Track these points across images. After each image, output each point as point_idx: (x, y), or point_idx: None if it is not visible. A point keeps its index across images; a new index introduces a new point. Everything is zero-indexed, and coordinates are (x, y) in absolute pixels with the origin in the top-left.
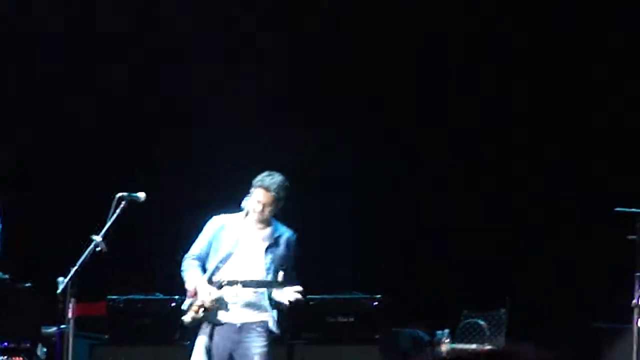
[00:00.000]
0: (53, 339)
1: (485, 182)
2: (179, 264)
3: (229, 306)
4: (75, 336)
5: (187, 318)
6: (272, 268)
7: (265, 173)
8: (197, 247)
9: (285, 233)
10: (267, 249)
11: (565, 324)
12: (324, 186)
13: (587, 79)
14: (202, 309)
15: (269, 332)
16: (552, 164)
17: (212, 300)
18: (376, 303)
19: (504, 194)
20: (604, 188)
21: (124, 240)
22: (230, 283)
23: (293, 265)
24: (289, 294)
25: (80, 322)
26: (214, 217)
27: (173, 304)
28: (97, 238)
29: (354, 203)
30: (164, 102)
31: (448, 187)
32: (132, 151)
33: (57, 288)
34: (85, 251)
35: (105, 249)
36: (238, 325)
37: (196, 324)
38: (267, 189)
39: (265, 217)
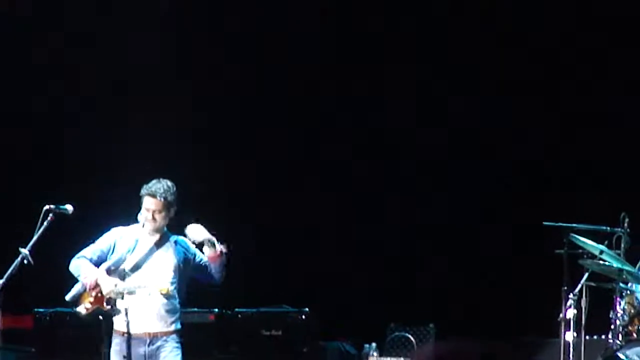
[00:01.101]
0: None
1: (422, 193)
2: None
3: (141, 315)
4: (1, 349)
5: (81, 309)
6: (179, 272)
7: (153, 181)
8: (90, 251)
9: (175, 237)
10: (164, 252)
11: (494, 338)
12: (249, 199)
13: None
14: (104, 299)
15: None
16: (487, 180)
17: (118, 292)
18: (304, 317)
19: (435, 209)
20: (534, 203)
21: (51, 252)
22: (133, 270)
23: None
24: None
25: (7, 334)
26: (113, 229)
27: (100, 316)
28: (25, 251)
29: (281, 217)
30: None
31: (378, 198)
32: (57, 162)
33: None
34: (12, 264)
35: (32, 262)
36: (151, 336)
37: (92, 315)
38: (153, 195)
39: (158, 225)
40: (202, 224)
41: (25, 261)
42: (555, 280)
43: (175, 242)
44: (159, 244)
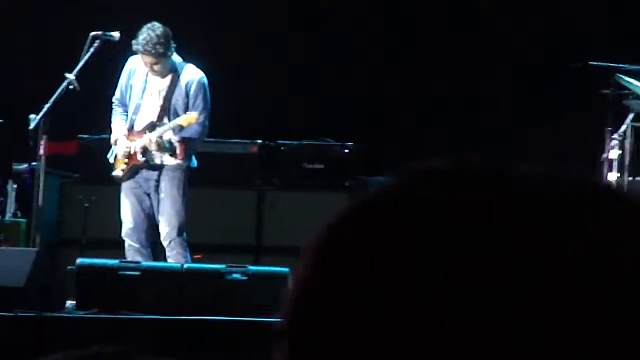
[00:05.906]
0: (24, 176)
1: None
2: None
3: (148, 153)
4: (46, 174)
5: (117, 172)
6: (173, 111)
7: (141, 32)
8: (119, 90)
9: (187, 76)
10: (167, 95)
11: None
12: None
13: None
14: (128, 161)
15: (180, 172)
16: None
17: (136, 152)
18: (347, 150)
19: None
20: (578, 41)
21: (98, 79)
22: (145, 130)
23: (195, 105)
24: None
25: (51, 160)
26: (130, 59)
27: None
28: (71, 76)
29: (328, 46)
30: None
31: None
32: None
33: (29, 125)
34: (58, 89)
35: (78, 88)
36: (152, 167)
37: (127, 177)
38: (143, 52)
39: (160, 70)
40: None
41: (71, 87)
42: (600, 121)
43: (180, 80)
44: (164, 87)
